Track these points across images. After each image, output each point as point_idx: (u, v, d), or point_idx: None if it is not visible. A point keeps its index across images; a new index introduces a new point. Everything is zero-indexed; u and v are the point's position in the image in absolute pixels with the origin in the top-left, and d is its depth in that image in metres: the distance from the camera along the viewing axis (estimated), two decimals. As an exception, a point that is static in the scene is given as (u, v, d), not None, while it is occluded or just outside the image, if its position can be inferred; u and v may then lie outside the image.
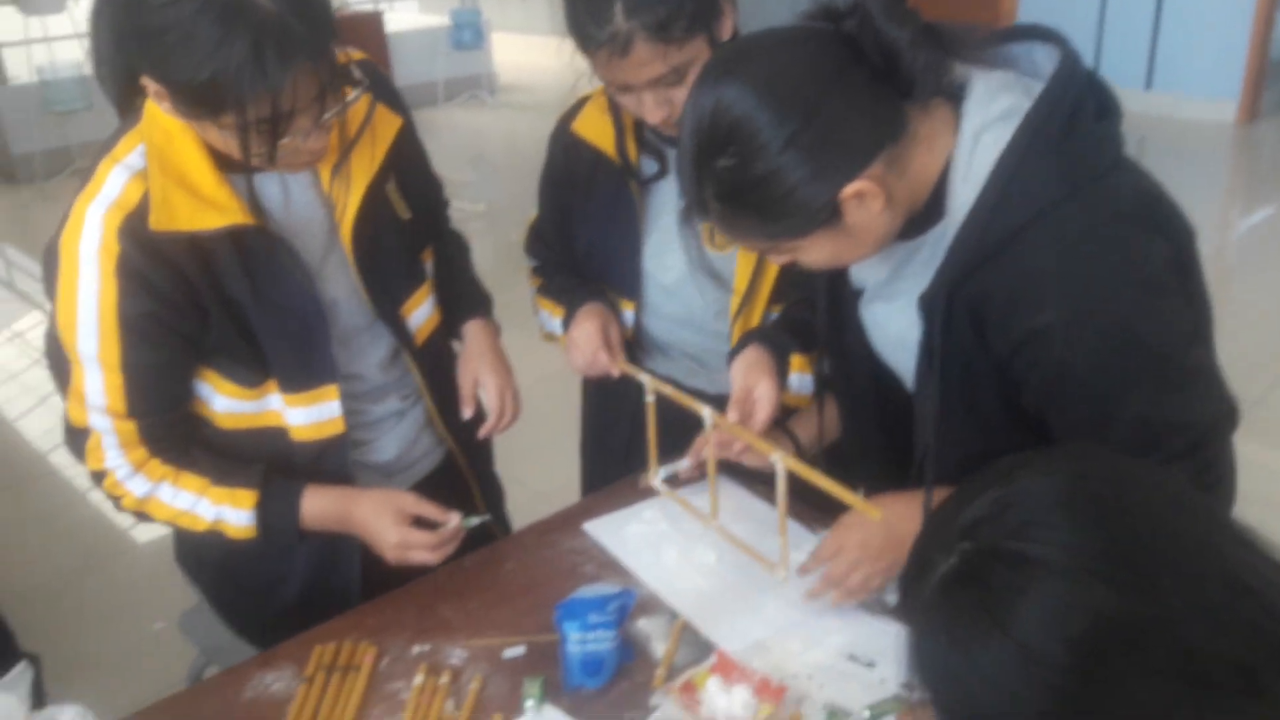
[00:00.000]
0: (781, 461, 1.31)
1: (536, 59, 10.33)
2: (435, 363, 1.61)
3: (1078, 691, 0.68)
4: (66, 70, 7.20)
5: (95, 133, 7.63)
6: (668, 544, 1.55)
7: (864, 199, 1.07)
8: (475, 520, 1.47)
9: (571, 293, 1.67)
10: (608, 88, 1.49)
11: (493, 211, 6.10)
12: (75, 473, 3.74)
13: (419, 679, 1.32)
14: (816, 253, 1.14)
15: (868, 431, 1.41)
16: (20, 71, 7.41)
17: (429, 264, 1.63)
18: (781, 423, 1.54)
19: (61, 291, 1.30)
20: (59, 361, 1.35)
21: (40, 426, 4.12)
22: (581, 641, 1.30)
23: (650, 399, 1.53)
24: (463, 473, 1.70)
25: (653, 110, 1.42)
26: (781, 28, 1.10)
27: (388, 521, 1.41)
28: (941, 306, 1.12)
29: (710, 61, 1.12)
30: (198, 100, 1.16)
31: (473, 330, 1.64)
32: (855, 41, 1.05)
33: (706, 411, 1.44)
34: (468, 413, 1.59)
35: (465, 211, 1.44)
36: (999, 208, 1.06)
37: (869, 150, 1.06)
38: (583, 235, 1.69)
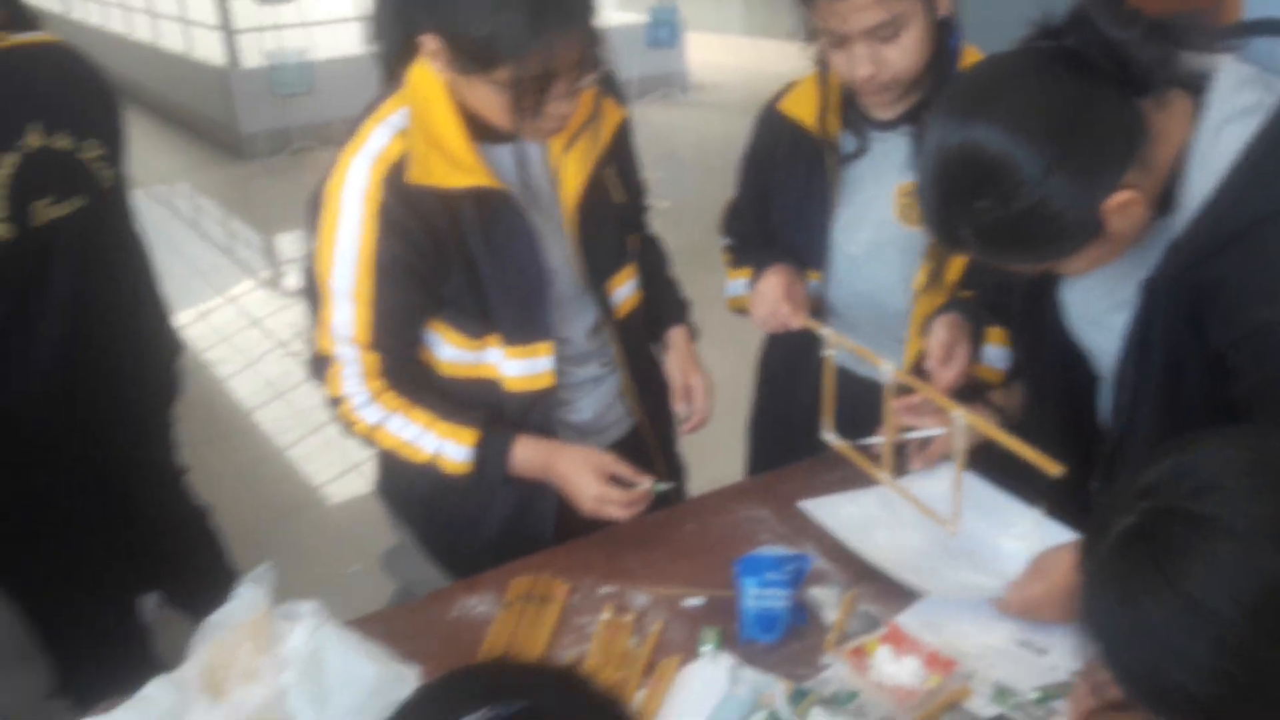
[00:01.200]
0: (963, 418, 1.35)
1: (729, 59, 10.44)
2: (632, 338, 1.73)
3: (1245, 650, 0.71)
4: (292, 56, 7.75)
5: (313, 116, 8.22)
6: (879, 527, 1.56)
7: (1127, 207, 1.09)
8: (665, 486, 1.58)
9: (760, 257, 1.75)
10: (820, 48, 1.56)
11: (677, 209, 6.24)
12: (275, 430, 4.09)
13: (605, 615, 1.43)
14: (1078, 264, 1.17)
15: (1050, 411, 1.43)
16: (251, 57, 8.01)
17: (633, 251, 1.75)
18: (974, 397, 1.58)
19: (323, 233, 1.47)
20: (312, 292, 1.53)
21: (248, 387, 4.47)
22: (758, 597, 1.37)
23: (829, 353, 1.59)
24: (648, 445, 1.80)
25: (863, 64, 1.49)
26: (1008, 54, 1.13)
27: (589, 476, 1.53)
28: (1164, 291, 1.14)
29: (948, 96, 1.15)
30: (475, 55, 1.31)
31: (678, 337, 1.78)
32: (1082, 54, 1.07)
33: (887, 366, 1.49)
34: (681, 408, 1.72)
35: (652, 208, 1.56)
36: (1241, 198, 1.07)
37: (1124, 159, 1.08)
38: (777, 209, 1.78)
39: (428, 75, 1.43)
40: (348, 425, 1.56)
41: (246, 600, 1.30)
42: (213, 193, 7.62)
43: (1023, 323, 1.45)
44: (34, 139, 1.89)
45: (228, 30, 7.92)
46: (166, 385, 2.33)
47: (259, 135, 7.87)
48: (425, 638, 1.40)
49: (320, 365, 1.55)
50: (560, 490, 1.58)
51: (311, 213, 1.50)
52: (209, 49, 8.36)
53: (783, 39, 1.78)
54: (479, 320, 1.54)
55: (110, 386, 2.13)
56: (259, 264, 6.44)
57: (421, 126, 1.43)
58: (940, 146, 1.12)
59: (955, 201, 1.11)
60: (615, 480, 1.54)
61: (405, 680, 1.19)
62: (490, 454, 1.55)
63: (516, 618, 1.43)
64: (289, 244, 6.81)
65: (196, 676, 1.21)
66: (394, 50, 1.48)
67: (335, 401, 1.55)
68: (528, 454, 1.56)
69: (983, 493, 1.55)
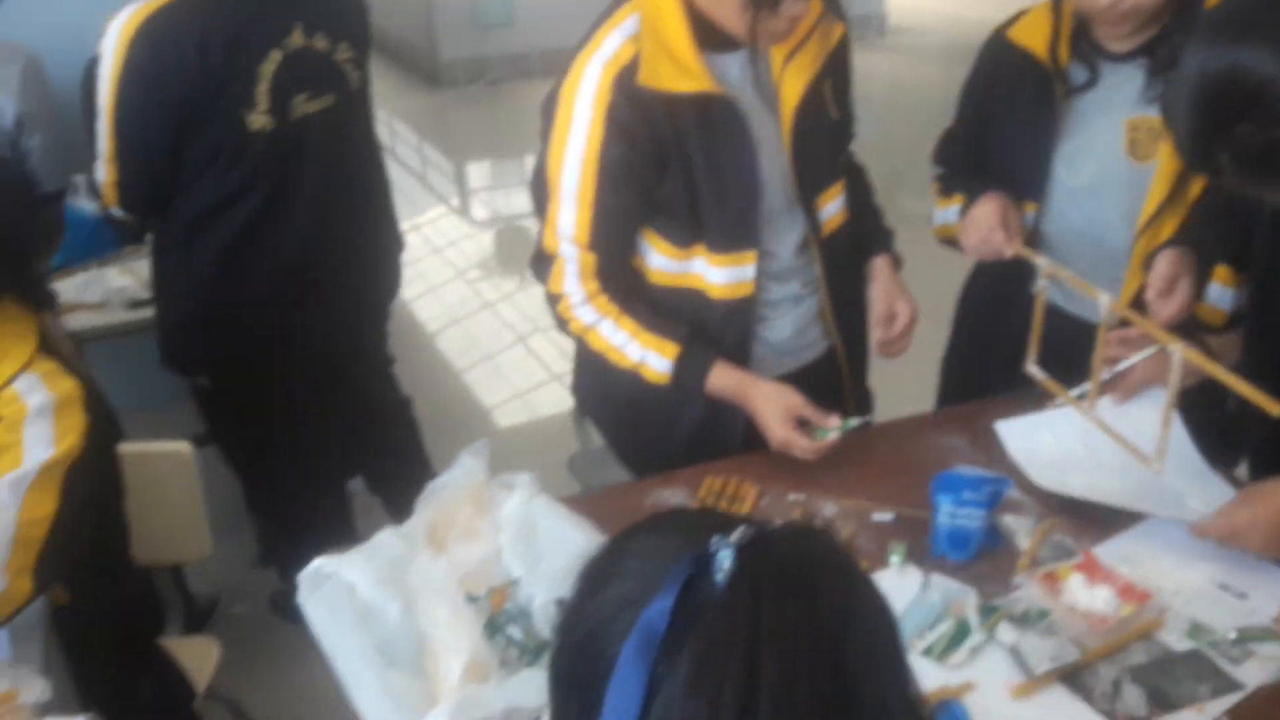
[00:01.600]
0: (1179, 352, 1.32)
1: (930, 3, 10.09)
2: (835, 258, 1.74)
3: None
4: (495, -13, 7.91)
5: (511, 47, 8.35)
6: (1075, 470, 1.53)
7: None
8: (855, 422, 1.60)
9: (973, 185, 1.73)
10: None
11: (863, 150, 6.14)
12: (450, 354, 4.23)
13: (794, 519, 1.47)
14: None
15: (1272, 355, 1.39)
16: (456, -15, 8.21)
17: (842, 169, 1.76)
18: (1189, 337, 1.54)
19: (555, 133, 1.54)
20: (541, 196, 1.60)
21: (427, 311, 4.62)
22: (952, 515, 1.39)
23: (1041, 285, 1.57)
24: (840, 371, 1.82)
25: None
26: None
27: (778, 416, 1.57)
28: None
29: (1210, 22, 1.13)
30: None
31: (882, 265, 1.77)
32: None
33: (1104, 298, 1.46)
34: (880, 334, 1.72)
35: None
36: None
37: None
38: (997, 138, 1.75)
39: None
40: (564, 322, 1.64)
41: (466, 468, 1.41)
42: (409, 119, 7.89)
43: (1260, 261, 1.40)
44: (296, 38, 2.03)
45: (435, -41, 8.14)
46: (390, 280, 2.48)
47: (457, 64, 8.10)
48: (622, 521, 1.47)
49: (543, 262, 1.63)
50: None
51: (546, 116, 1.58)
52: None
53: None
54: (688, 228, 1.59)
55: (344, 277, 2.29)
56: (449, 191, 6.65)
57: (652, 32, 1.48)
58: (1202, 71, 1.10)
59: (1216, 127, 1.09)
60: (803, 422, 1.58)
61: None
62: (689, 370, 1.60)
63: (709, 514, 1.49)
64: (478, 173, 7.02)
65: (421, 531, 1.32)
66: None
67: (555, 299, 1.63)
68: (724, 379, 1.62)
69: (1185, 450, 1.50)
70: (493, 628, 1.20)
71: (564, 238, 1.58)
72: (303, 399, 2.39)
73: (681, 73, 1.48)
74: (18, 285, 1.42)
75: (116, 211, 2.13)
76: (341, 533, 2.58)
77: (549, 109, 1.57)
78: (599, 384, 1.82)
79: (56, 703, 1.22)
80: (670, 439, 1.75)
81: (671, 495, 1.55)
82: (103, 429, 1.41)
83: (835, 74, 1.67)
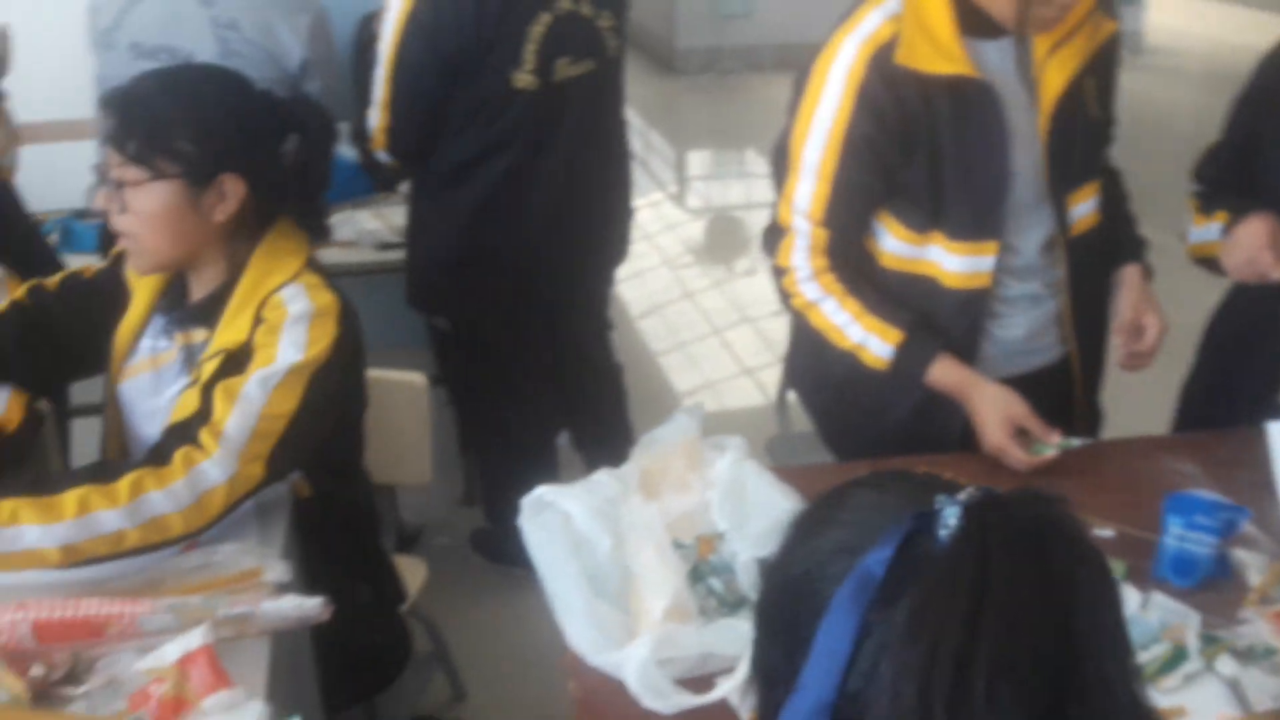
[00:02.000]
0: None
1: (1193, 25, 9.48)
2: (1082, 261, 1.68)
3: None
4: (740, -23, 7.95)
5: (748, 39, 8.37)
6: None
7: None
8: (1077, 442, 1.54)
9: (1238, 204, 1.64)
10: None
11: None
12: (651, 338, 4.28)
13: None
14: None
15: None
16: (703, -27, 8.30)
17: (1098, 169, 1.69)
18: None
19: (804, 105, 1.55)
20: (780, 168, 1.62)
21: (631, 294, 4.64)
22: (1181, 537, 1.32)
23: None
24: (1072, 382, 1.75)
25: None
26: None
27: (997, 421, 1.54)
28: None
29: None
30: None
31: (1133, 274, 1.69)
32: None
33: None
34: (1125, 345, 1.65)
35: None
36: None
37: None
38: (1269, 157, 1.66)
39: None
40: (787, 296, 1.65)
41: (680, 425, 1.45)
42: (638, 103, 8.01)
43: None
44: (565, 3, 2.12)
45: (682, -53, 8.26)
46: (620, 244, 2.56)
47: (693, 52, 8.20)
48: (829, 499, 1.47)
49: (775, 235, 1.65)
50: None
51: (796, 89, 1.59)
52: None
53: (1258, 8, 1.63)
54: (927, 213, 1.57)
55: (582, 236, 2.38)
56: (667, 178, 6.73)
57: (914, 12, 1.47)
58: None
59: None
60: (1022, 432, 1.54)
61: (818, 522, 1.27)
62: (910, 358, 1.58)
63: (917, 504, 1.47)
64: (698, 162, 7.08)
65: (634, 477, 1.36)
66: None
67: (781, 271, 1.64)
68: (946, 373, 1.59)
69: None
70: (696, 575, 1.23)
71: (798, 211, 1.58)
72: (529, 349, 2.50)
73: (940, 54, 1.46)
74: (299, 210, 1.55)
75: (382, 156, 2.28)
76: (549, 479, 2.67)
77: (799, 83, 1.58)
78: (814, 363, 1.82)
79: (292, 586, 1.33)
80: (882, 426, 1.73)
81: (879, 480, 1.53)
82: (351, 342, 1.51)
83: (1100, 72, 1.61)
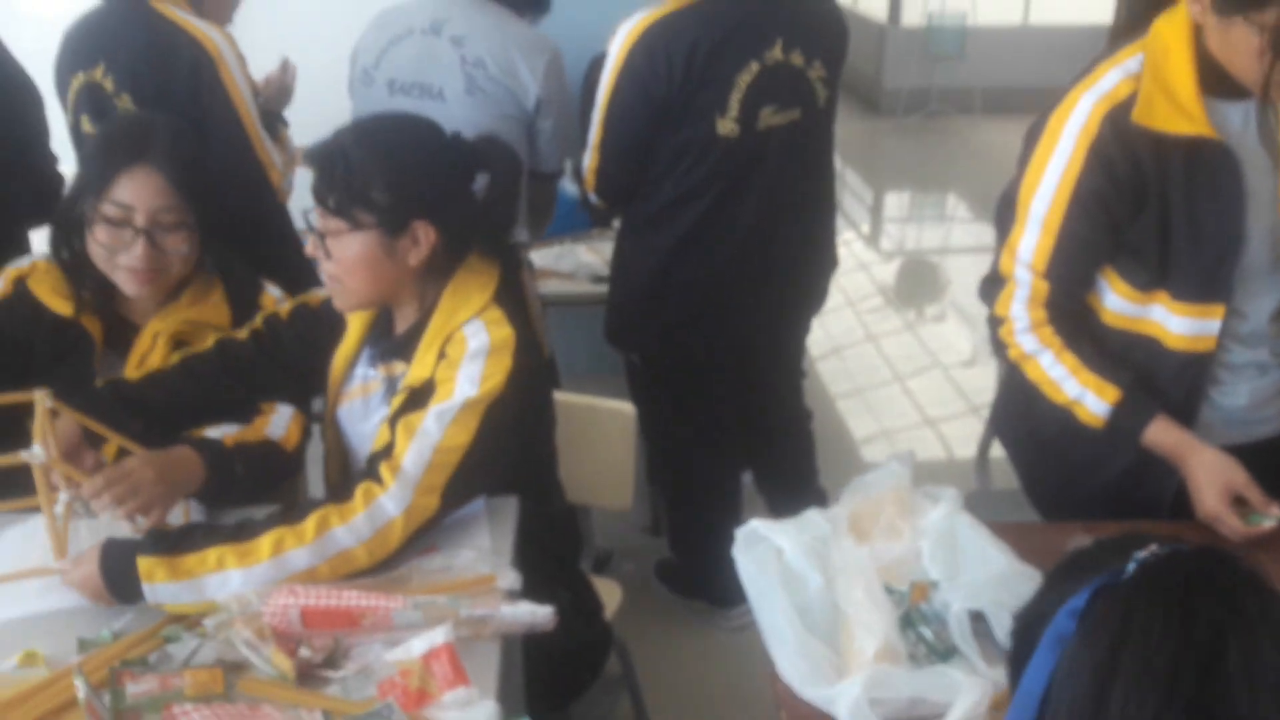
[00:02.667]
0: None
1: None
2: None
3: None
4: (951, 19, 7.87)
5: (957, 80, 8.27)
6: None
7: None
8: None
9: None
10: None
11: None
12: (830, 379, 4.24)
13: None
14: None
15: None
16: (912, 15, 8.28)
17: None
18: None
19: (1035, 158, 1.58)
20: (1005, 218, 1.65)
21: (814, 334, 4.61)
22: None
23: None
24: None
25: None
26: None
27: (1215, 488, 1.51)
28: None
29: None
30: None
31: None
32: None
33: None
34: None
35: None
36: None
37: None
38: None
39: (1174, 23, 1.48)
40: (1002, 347, 1.66)
41: (891, 472, 1.48)
42: (840, 141, 8.04)
43: None
44: (775, 52, 2.19)
45: (898, -12, 8.26)
46: (819, 294, 2.60)
47: (900, 93, 8.16)
48: (1039, 556, 1.47)
49: (994, 284, 1.66)
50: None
51: (1028, 142, 1.62)
52: (874, 4, 8.77)
53: None
54: (1153, 272, 1.56)
55: (779, 283, 2.43)
56: (861, 218, 6.68)
57: (1154, 71, 1.48)
58: None
59: None
60: (1240, 501, 1.51)
61: (1031, 578, 1.28)
62: (1127, 417, 1.57)
63: (1134, 568, 1.45)
64: (895, 204, 7.01)
65: (844, 519, 1.41)
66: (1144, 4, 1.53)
67: (998, 321, 1.66)
68: (1163, 435, 1.57)
69: None
70: (906, 621, 1.26)
71: (1021, 262, 1.60)
72: (721, 388, 2.57)
73: (1179, 114, 1.46)
74: (487, 243, 1.63)
75: (592, 197, 2.40)
76: (732, 517, 2.74)
77: (1032, 136, 1.60)
78: (1023, 417, 1.81)
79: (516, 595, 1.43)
80: (1091, 485, 1.71)
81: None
82: (529, 373, 1.56)
83: None
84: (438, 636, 1.28)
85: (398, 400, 1.53)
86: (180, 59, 2.16)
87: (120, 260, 1.66)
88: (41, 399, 1.48)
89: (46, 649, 1.34)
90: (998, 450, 1.99)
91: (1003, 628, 1.22)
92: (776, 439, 2.86)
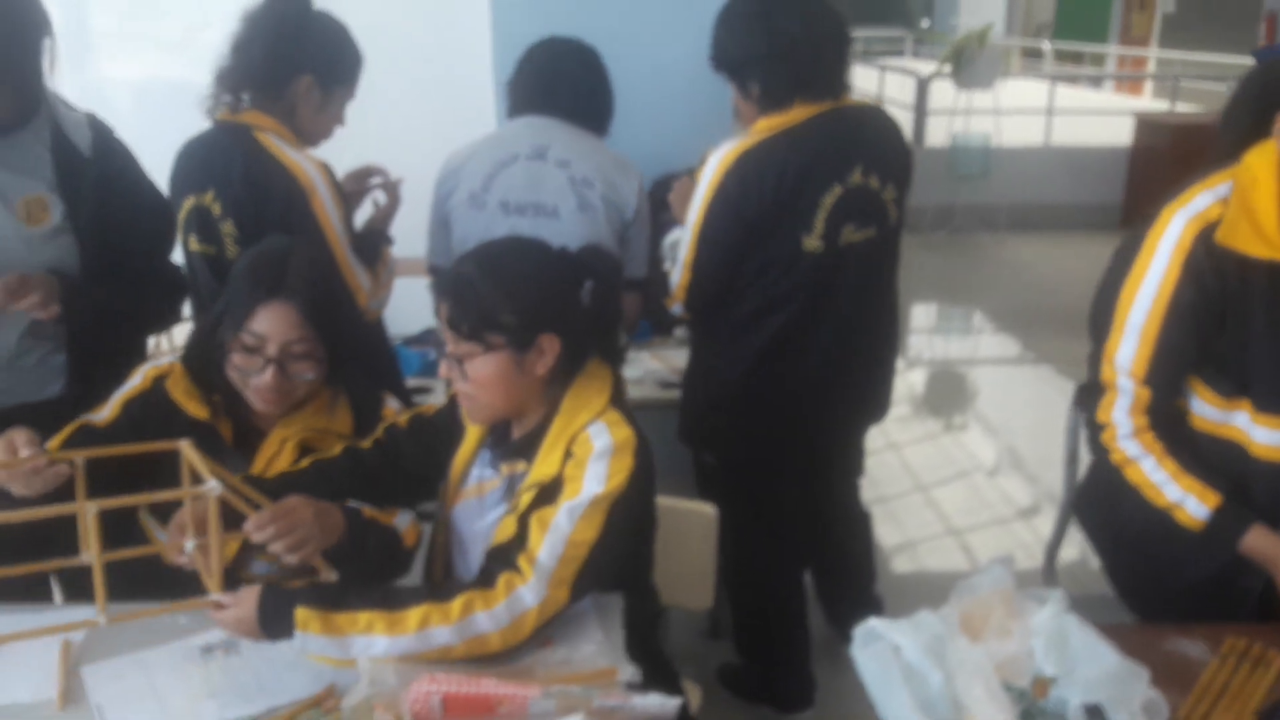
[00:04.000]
0: None
1: None
2: None
3: None
4: (976, 139, 8.14)
5: (982, 199, 8.50)
6: None
7: None
8: None
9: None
10: None
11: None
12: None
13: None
14: None
15: None
16: (937, 135, 8.56)
17: None
18: None
19: (1133, 272, 1.71)
20: (1100, 329, 1.77)
21: (917, 459, 4.70)
22: None
23: None
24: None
25: None
26: None
27: None
28: None
29: None
30: None
31: None
32: None
33: None
34: None
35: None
36: None
37: None
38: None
39: (1264, 156, 1.61)
40: (1105, 451, 1.76)
41: (994, 576, 1.54)
42: (870, 255, 8.23)
43: None
44: (856, 176, 2.33)
45: (920, 111, 8.55)
46: (884, 402, 2.69)
47: (926, 210, 8.38)
48: (1139, 657, 1.52)
49: (1093, 392, 1.78)
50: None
51: (1118, 257, 1.77)
52: (901, 126, 9.05)
53: None
54: (1234, 382, 1.67)
55: (852, 390, 2.53)
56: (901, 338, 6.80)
57: (1241, 197, 1.61)
58: None
59: None
60: None
61: (1140, 676, 1.34)
62: (1227, 522, 1.66)
63: (1229, 672, 1.51)
64: (923, 315, 7.14)
65: (955, 620, 1.46)
66: (1242, 133, 1.66)
67: (1100, 427, 1.76)
68: (1260, 541, 1.66)
69: None
70: (1027, 716, 1.32)
71: (1121, 370, 1.71)
72: (791, 489, 2.64)
73: (1261, 239, 1.58)
74: (601, 347, 1.75)
75: (677, 309, 2.51)
76: (798, 622, 2.78)
77: (1125, 253, 1.73)
78: (1110, 518, 1.89)
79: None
80: (1179, 583, 1.78)
81: (1190, 646, 1.57)
82: (645, 472, 1.66)
83: None
84: (572, 725, 1.34)
85: (528, 496, 1.62)
86: (275, 191, 2.28)
87: (251, 382, 1.79)
88: (188, 447, 1.59)
89: None
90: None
91: (1121, 723, 1.27)
92: (839, 539, 2.93)
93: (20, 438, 1.59)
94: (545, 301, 1.65)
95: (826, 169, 2.32)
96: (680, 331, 3.30)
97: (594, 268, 1.74)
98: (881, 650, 1.41)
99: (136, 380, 1.86)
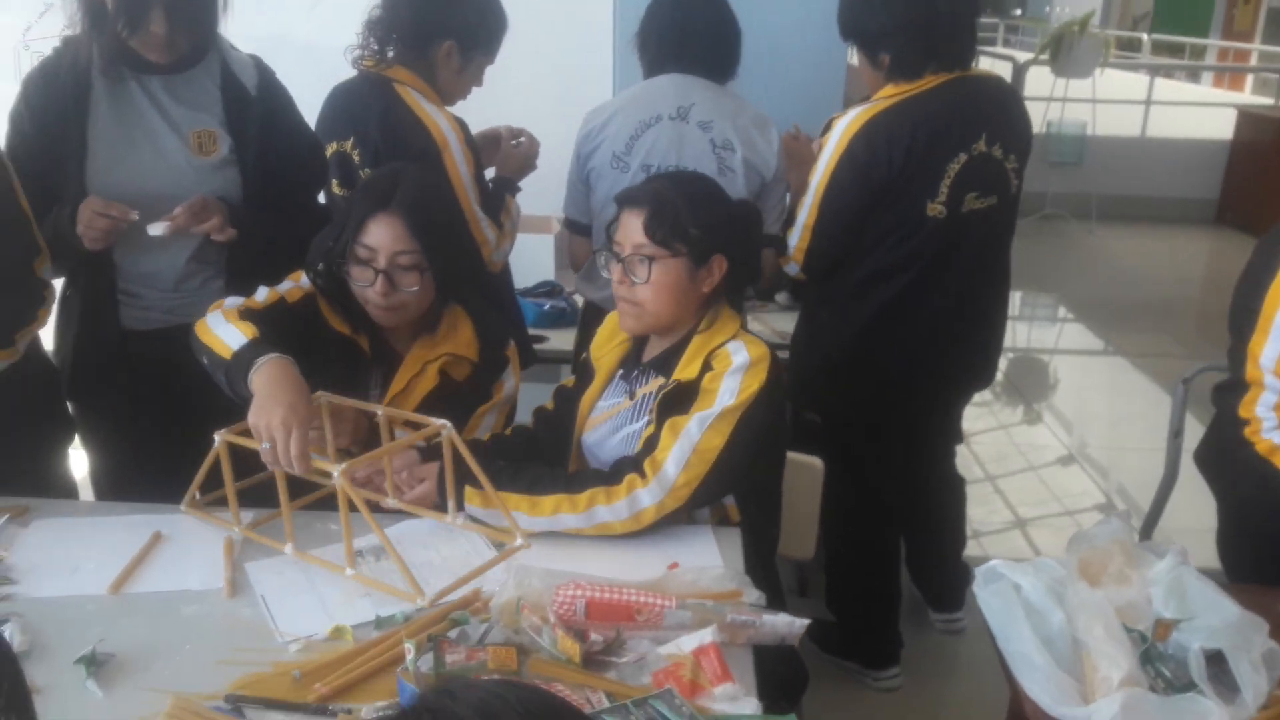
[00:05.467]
0: None
1: None
2: None
3: None
4: (1071, 127, 8.03)
5: (1074, 187, 8.39)
6: None
7: None
8: None
9: None
10: None
11: None
12: (1018, 500, 4.17)
13: None
14: None
15: None
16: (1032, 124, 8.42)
17: None
18: None
19: None
20: (1241, 326, 1.82)
21: (987, 447, 4.64)
22: None
23: None
24: None
25: None
26: None
27: None
28: None
29: None
30: None
31: None
32: None
33: None
34: None
35: None
36: None
37: None
38: None
39: None
40: (1249, 444, 1.81)
41: (1113, 526, 1.59)
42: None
43: None
44: (980, 145, 2.38)
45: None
46: (991, 369, 2.73)
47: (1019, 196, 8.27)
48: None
49: (1235, 390, 1.83)
50: None
51: (1266, 252, 1.80)
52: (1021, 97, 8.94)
53: None
54: None
55: (961, 356, 2.58)
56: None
57: None
58: None
59: None
60: None
61: (1261, 628, 1.38)
62: None
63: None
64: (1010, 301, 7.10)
65: (1074, 566, 1.52)
66: None
67: (1243, 422, 1.82)
68: None
69: None
70: (1146, 657, 1.37)
71: (1266, 369, 1.76)
72: (893, 451, 2.70)
73: None
74: (730, 294, 1.92)
75: (793, 269, 2.57)
76: (891, 582, 2.84)
77: (1270, 248, 1.78)
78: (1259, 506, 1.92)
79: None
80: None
81: (1304, 608, 1.61)
82: (776, 389, 1.81)
83: None
84: (706, 636, 1.42)
85: (667, 392, 1.80)
86: (410, 144, 2.38)
87: (366, 294, 1.91)
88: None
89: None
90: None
91: (1241, 668, 1.32)
92: (933, 504, 2.97)
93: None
94: (725, 225, 1.86)
95: (954, 137, 2.36)
96: (781, 297, 3.35)
97: (758, 221, 1.97)
98: (1004, 588, 1.48)
99: (290, 285, 1.99)
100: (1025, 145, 2.52)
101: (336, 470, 1.58)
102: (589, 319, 2.87)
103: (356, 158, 2.46)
